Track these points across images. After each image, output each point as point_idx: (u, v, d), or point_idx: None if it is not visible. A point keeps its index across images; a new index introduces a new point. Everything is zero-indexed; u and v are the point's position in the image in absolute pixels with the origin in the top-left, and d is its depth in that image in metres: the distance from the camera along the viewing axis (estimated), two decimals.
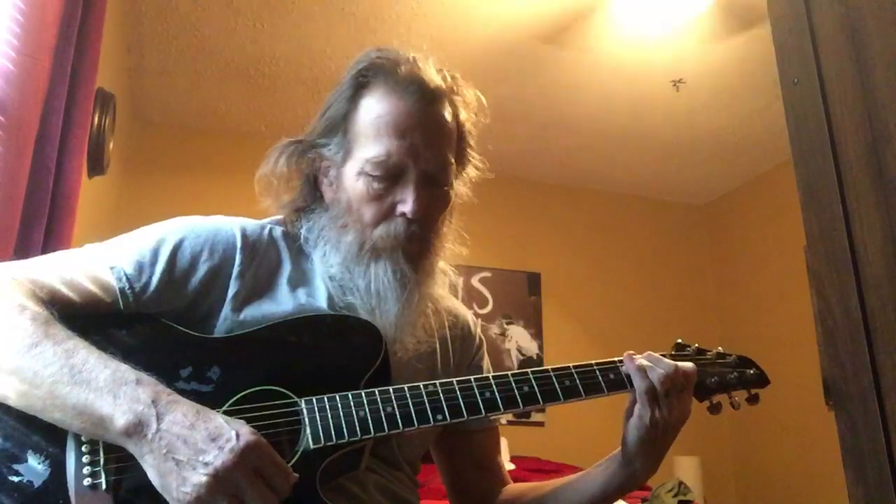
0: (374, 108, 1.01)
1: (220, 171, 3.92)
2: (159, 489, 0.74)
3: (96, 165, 2.64)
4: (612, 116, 3.90)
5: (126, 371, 0.79)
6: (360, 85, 1.02)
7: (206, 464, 0.72)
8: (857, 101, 0.83)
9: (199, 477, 0.72)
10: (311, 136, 1.06)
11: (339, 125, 1.03)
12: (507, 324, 4.29)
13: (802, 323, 3.73)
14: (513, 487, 1.16)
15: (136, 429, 0.75)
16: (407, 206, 0.98)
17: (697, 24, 3.13)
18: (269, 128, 3.95)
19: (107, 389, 0.77)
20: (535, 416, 4.12)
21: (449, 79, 1.06)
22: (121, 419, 0.75)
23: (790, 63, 0.92)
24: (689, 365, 1.00)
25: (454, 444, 1.16)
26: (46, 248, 1.53)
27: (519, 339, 4.30)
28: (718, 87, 3.61)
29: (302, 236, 1.07)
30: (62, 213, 1.61)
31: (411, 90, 1.00)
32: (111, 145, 2.74)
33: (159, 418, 0.75)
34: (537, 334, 4.34)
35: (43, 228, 1.49)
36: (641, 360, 0.99)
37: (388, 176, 0.99)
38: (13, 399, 0.79)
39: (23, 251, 1.42)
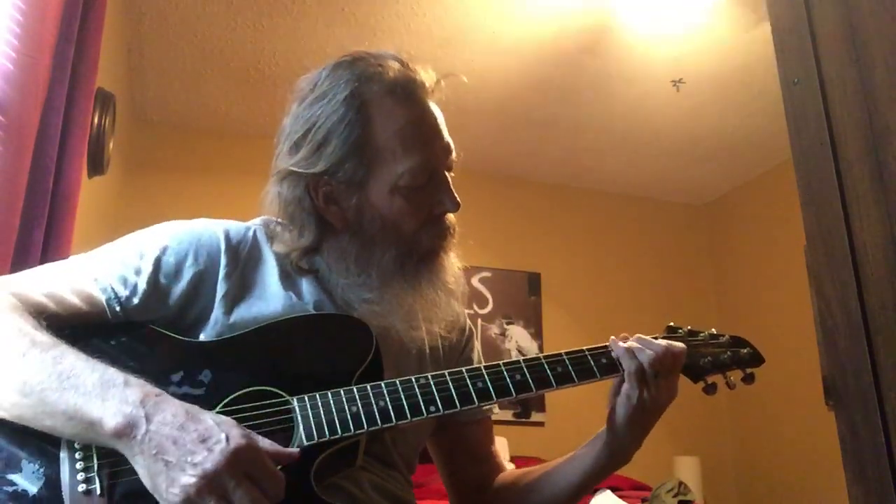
0: (390, 123, 0.98)
1: (220, 171, 3.92)
2: (150, 489, 0.74)
3: (96, 165, 2.64)
4: (611, 116, 3.90)
5: (114, 374, 0.79)
6: (360, 105, 0.98)
7: (194, 465, 0.72)
8: (857, 101, 0.83)
9: (187, 478, 0.72)
10: (306, 166, 0.99)
11: (352, 149, 0.98)
12: (507, 324, 4.29)
13: (802, 323, 3.73)
14: (507, 474, 1.17)
15: (126, 430, 0.75)
16: (447, 204, 1.01)
17: (698, 24, 3.13)
18: (269, 128, 3.95)
19: (95, 393, 0.77)
20: (536, 416, 4.12)
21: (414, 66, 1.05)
22: (111, 421, 0.75)
23: (790, 63, 0.92)
24: (678, 345, 1.00)
25: (449, 438, 1.16)
26: (46, 248, 1.53)
27: (519, 339, 4.30)
28: (718, 87, 3.61)
29: (322, 268, 1.04)
30: (62, 213, 1.60)
31: (410, 91, 1.00)
32: (111, 145, 2.74)
33: (148, 419, 0.75)
34: (537, 334, 4.34)
35: (43, 228, 1.49)
36: (631, 341, 1.00)
37: (425, 183, 1.00)
38: (4, 410, 0.80)
39: (23, 251, 1.42)
